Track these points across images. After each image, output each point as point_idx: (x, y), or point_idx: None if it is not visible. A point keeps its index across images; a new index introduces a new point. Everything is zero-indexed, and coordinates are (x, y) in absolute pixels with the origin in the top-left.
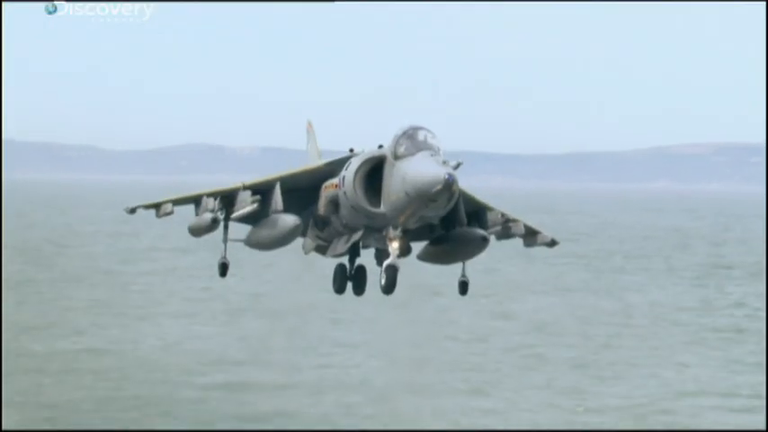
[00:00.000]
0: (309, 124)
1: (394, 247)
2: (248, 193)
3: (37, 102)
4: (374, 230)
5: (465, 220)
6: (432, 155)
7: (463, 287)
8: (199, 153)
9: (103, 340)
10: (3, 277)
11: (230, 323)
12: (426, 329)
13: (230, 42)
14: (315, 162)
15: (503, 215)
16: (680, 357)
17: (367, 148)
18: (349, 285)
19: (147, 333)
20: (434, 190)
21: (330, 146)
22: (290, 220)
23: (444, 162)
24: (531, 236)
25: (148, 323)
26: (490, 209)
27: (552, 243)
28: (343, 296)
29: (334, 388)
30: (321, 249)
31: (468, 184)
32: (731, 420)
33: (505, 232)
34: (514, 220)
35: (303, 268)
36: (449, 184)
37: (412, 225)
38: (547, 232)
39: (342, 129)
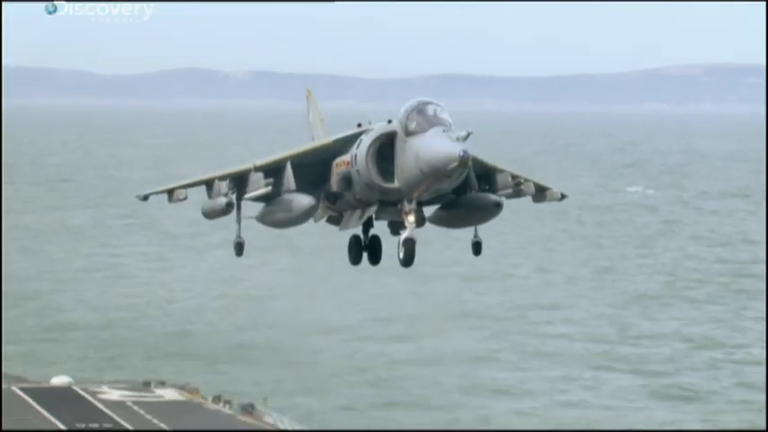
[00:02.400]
0: (309, 92)
1: (410, 220)
2: (260, 175)
3: (24, 26)
4: (388, 204)
5: (476, 184)
6: (444, 130)
7: (476, 247)
8: (191, 78)
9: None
10: (3, 203)
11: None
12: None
13: None
14: (319, 131)
15: (513, 177)
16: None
17: (375, 123)
18: (365, 256)
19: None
20: (450, 167)
21: (329, 71)
22: (304, 201)
23: (457, 138)
24: (540, 193)
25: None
26: (500, 170)
27: (562, 197)
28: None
29: None
30: (334, 220)
31: (461, 108)
32: None
33: (516, 193)
34: (525, 180)
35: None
36: (464, 161)
37: (426, 197)
38: (556, 188)
39: (338, 51)
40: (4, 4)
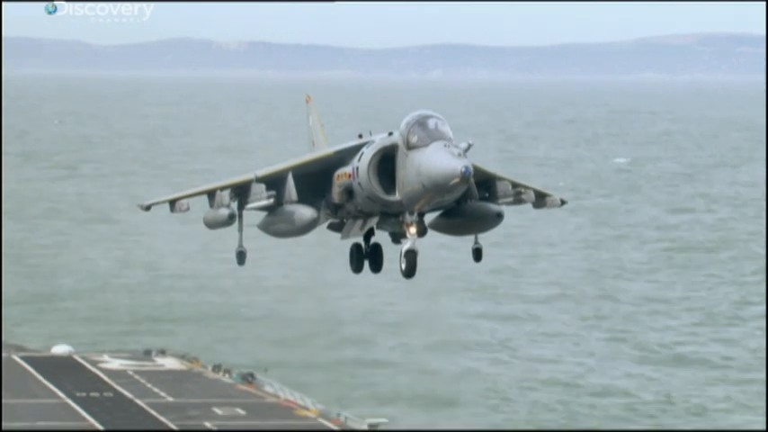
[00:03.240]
0: (309, 97)
1: (411, 232)
2: (262, 186)
3: None
4: (389, 215)
5: (477, 193)
6: (445, 145)
7: (477, 254)
8: (185, 48)
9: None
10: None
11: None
12: None
13: None
14: (319, 136)
15: (513, 185)
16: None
17: (376, 134)
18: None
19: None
20: (451, 184)
21: (323, 41)
22: (306, 214)
23: (459, 155)
24: (540, 199)
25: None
26: (500, 178)
27: (561, 203)
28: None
29: None
30: (335, 226)
31: (454, 78)
32: None
33: (516, 201)
34: (525, 189)
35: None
36: (466, 177)
37: (427, 209)
38: (556, 194)
39: (332, 21)
40: (3, 3)
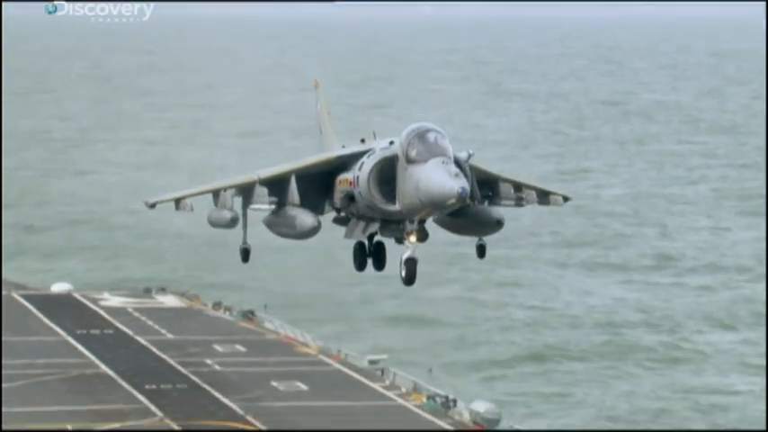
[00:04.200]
0: (316, 83)
1: (411, 240)
2: (265, 190)
3: None
4: (390, 222)
5: (479, 195)
6: (443, 162)
7: (481, 250)
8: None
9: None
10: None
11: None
12: None
13: None
14: (326, 124)
15: (515, 187)
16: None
17: (379, 139)
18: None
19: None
20: (448, 203)
21: None
22: (307, 221)
23: (457, 174)
24: (543, 197)
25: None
26: (503, 180)
27: (565, 200)
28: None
29: None
30: (341, 221)
31: (443, 13)
32: None
33: (519, 203)
34: (527, 189)
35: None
36: (462, 198)
37: (427, 218)
38: (559, 191)
39: None
40: (4, 4)
